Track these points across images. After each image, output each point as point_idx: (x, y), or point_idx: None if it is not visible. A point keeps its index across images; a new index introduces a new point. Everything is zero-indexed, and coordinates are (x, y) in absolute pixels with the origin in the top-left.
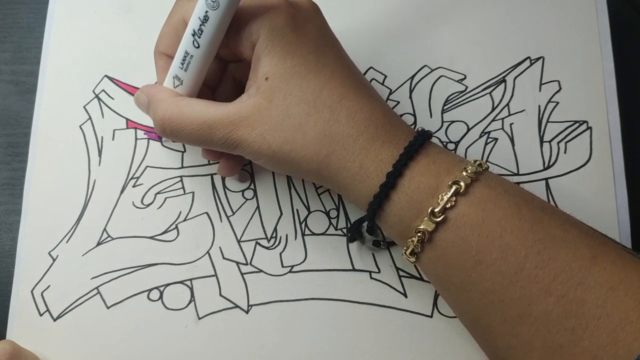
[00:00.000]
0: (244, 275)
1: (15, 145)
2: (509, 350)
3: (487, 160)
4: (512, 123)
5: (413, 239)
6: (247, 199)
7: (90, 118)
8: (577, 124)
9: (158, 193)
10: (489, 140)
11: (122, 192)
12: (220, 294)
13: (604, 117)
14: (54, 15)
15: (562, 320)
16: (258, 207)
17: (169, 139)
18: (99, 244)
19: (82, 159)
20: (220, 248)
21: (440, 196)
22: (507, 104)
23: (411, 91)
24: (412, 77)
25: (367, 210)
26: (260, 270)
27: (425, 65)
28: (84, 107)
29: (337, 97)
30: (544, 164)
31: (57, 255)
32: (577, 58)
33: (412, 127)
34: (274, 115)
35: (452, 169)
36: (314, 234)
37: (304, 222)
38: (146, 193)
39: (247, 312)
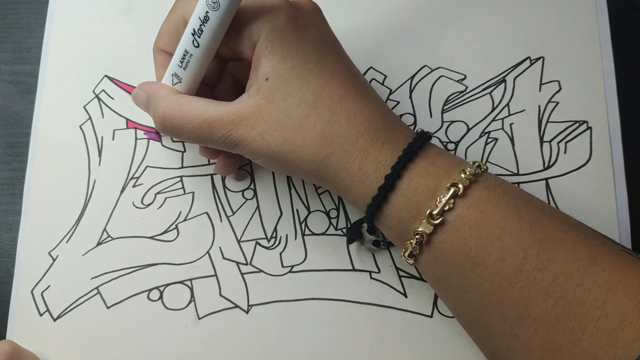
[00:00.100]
0: (244, 275)
1: (15, 145)
2: (508, 352)
3: (487, 161)
4: (512, 123)
5: (411, 241)
6: (247, 199)
7: (90, 118)
8: (577, 124)
9: (158, 193)
10: (489, 140)
11: (122, 192)
12: (220, 294)
13: (604, 117)
14: (54, 15)
15: (562, 321)
16: (258, 207)
17: (169, 137)
18: (99, 244)
19: (82, 159)
20: (220, 248)
21: (438, 198)
22: (507, 104)
23: (411, 91)
24: (412, 77)
25: (365, 212)
26: (260, 270)
27: (425, 65)
28: (84, 107)
29: (337, 98)
30: (544, 164)
31: (57, 255)
32: (577, 58)
33: (412, 127)
34: (273, 116)
35: (451, 170)
36: (314, 234)
37: (304, 222)
38: (146, 193)
39: (247, 312)
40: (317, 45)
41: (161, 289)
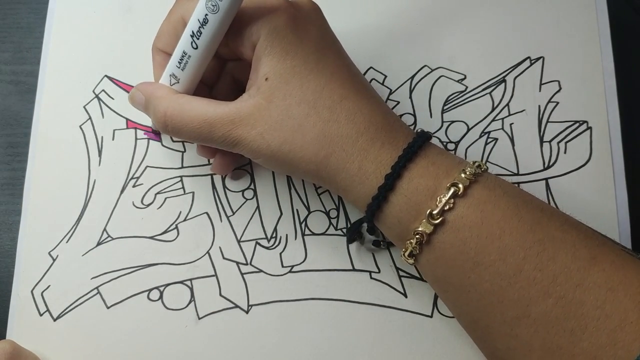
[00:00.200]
0: (244, 275)
1: (15, 145)
2: (508, 352)
3: (487, 161)
4: (512, 123)
5: (411, 240)
6: (247, 199)
7: (90, 118)
8: (577, 124)
9: (158, 193)
10: (489, 140)
11: (122, 192)
12: (220, 294)
13: (604, 117)
14: (54, 15)
15: (561, 322)
16: (258, 207)
17: (169, 136)
18: (99, 244)
19: (82, 159)
20: (220, 248)
21: (438, 198)
22: (507, 104)
23: (411, 91)
24: (412, 77)
25: (365, 211)
26: (260, 270)
27: (425, 65)
28: (84, 107)
29: (337, 98)
30: (544, 164)
31: (57, 255)
32: (577, 58)
33: (412, 127)
34: (273, 115)
35: (451, 170)
36: (314, 234)
37: (304, 222)
38: (146, 193)
39: (247, 312)
40: (317, 45)
41: (161, 289)
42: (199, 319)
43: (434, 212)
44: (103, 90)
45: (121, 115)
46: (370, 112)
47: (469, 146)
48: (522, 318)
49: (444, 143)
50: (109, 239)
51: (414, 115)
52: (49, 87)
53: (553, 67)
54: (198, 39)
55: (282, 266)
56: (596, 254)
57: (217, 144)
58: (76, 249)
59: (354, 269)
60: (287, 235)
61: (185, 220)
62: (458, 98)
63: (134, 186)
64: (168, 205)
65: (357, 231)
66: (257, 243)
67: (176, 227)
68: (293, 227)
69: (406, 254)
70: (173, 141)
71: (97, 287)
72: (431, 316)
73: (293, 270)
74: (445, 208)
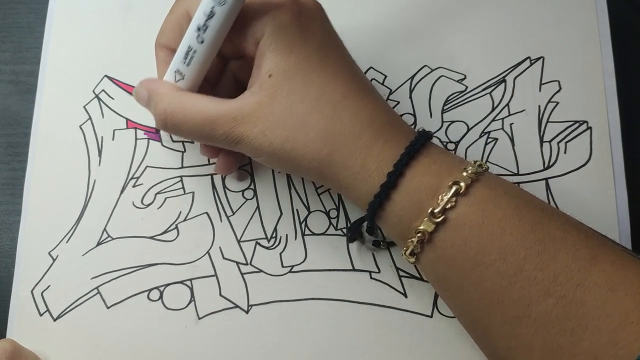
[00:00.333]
0: (244, 275)
1: (15, 145)
2: (509, 351)
3: (487, 161)
4: (512, 123)
5: (413, 239)
6: (247, 199)
7: (90, 118)
8: (577, 124)
9: (158, 193)
10: (489, 140)
11: (122, 192)
12: (220, 294)
13: (604, 117)
14: (54, 15)
15: (562, 321)
16: (258, 207)
17: (169, 134)
18: (99, 244)
19: (82, 159)
20: (220, 248)
21: (440, 196)
22: (507, 104)
23: (411, 91)
24: (412, 77)
25: (367, 210)
26: (260, 270)
27: (425, 65)
28: (84, 107)
29: (339, 95)
30: (544, 164)
31: (57, 255)
32: (577, 58)
33: (412, 127)
34: (276, 113)
35: (453, 169)
36: (314, 234)
37: (304, 222)
38: (146, 193)
39: (247, 312)
40: (321, 44)
41: (161, 289)
42: (199, 319)
43: (436, 210)
44: (103, 90)
45: (121, 115)
46: (373, 111)
47: (469, 146)
48: (523, 318)
49: (444, 143)
50: (109, 239)
51: (414, 115)
52: (49, 87)
53: (553, 67)
54: (204, 32)
55: (282, 266)
56: (597, 254)
57: (218, 142)
58: (76, 249)
59: (354, 269)
60: (287, 235)
61: (185, 220)
62: (458, 98)
63: (134, 186)
64: (168, 205)
65: (358, 230)
66: (257, 243)
67: (176, 227)
68: (293, 227)
69: (407, 252)
70: (173, 141)
71: (97, 287)
72: (431, 316)
73: (293, 270)
74: (447, 206)
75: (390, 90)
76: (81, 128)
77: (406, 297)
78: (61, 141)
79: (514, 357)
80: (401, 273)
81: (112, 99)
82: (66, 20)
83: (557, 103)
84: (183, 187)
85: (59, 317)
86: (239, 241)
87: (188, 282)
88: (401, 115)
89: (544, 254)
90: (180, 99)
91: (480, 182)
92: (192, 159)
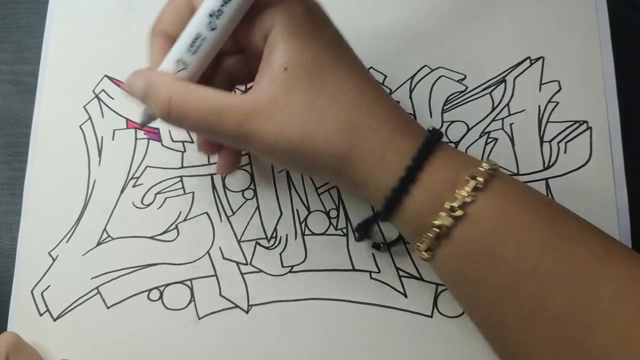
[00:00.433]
0: (244, 275)
1: (15, 145)
2: (521, 347)
3: None
4: (512, 123)
5: (429, 234)
6: (247, 199)
7: (90, 118)
8: (577, 124)
9: (158, 193)
10: (489, 140)
11: (122, 192)
12: (220, 294)
13: (604, 117)
14: (54, 15)
15: (577, 316)
16: (258, 207)
17: (172, 125)
18: (99, 244)
19: (82, 159)
20: (220, 248)
21: (457, 191)
22: (507, 104)
23: (411, 91)
24: (412, 77)
25: (384, 204)
26: (260, 270)
27: (425, 65)
28: (84, 107)
29: (356, 90)
30: (544, 164)
31: (57, 255)
32: (577, 58)
33: None
34: (293, 107)
35: (469, 164)
36: (314, 234)
37: (304, 222)
38: (146, 193)
39: (247, 312)
40: (331, 40)
41: (161, 289)
42: (199, 319)
43: (455, 204)
44: (103, 90)
45: (121, 115)
46: (388, 106)
47: (469, 146)
48: (538, 312)
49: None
50: (109, 239)
51: (414, 115)
52: (49, 87)
53: (553, 67)
54: (218, 18)
55: (282, 266)
56: (610, 250)
57: (224, 137)
58: (76, 249)
59: (354, 269)
60: (287, 235)
61: (185, 220)
62: (458, 98)
63: (134, 186)
64: (168, 205)
65: (369, 229)
66: (257, 243)
67: (176, 227)
68: (293, 227)
69: (422, 248)
70: (173, 141)
71: (97, 287)
72: (431, 316)
73: (293, 270)
74: (467, 200)
75: (390, 90)
76: (81, 128)
77: (406, 297)
78: (61, 141)
79: (526, 353)
80: (401, 273)
81: (112, 99)
82: (66, 20)
83: (557, 103)
84: (183, 187)
85: (59, 317)
86: (239, 241)
87: (188, 282)
88: None
89: (561, 249)
90: (187, 88)
91: (496, 178)
92: (192, 159)
